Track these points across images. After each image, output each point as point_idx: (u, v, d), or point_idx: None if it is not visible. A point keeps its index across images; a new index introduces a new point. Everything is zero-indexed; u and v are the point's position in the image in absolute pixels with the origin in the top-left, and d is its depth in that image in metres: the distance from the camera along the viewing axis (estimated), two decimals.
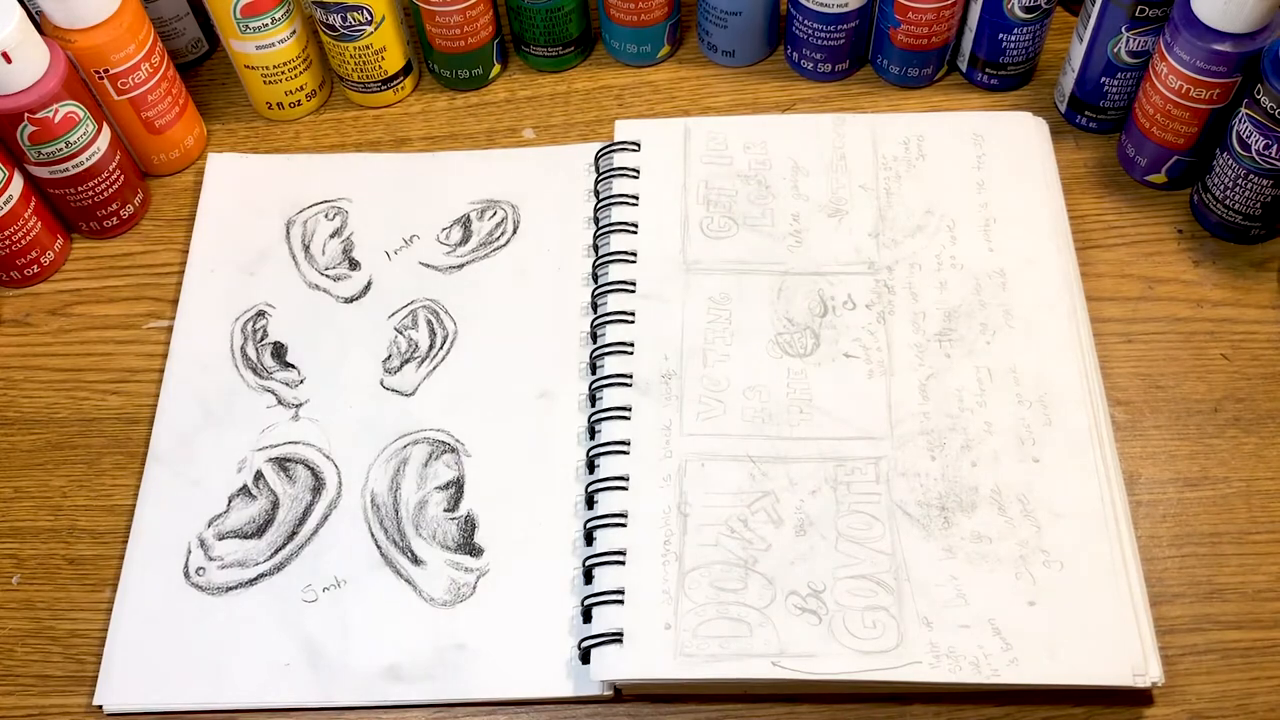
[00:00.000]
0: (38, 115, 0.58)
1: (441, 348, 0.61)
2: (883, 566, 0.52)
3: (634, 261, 0.61)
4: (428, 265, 0.63)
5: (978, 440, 0.55)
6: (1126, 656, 0.49)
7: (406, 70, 0.70)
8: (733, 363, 0.58)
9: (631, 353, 0.58)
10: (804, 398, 0.56)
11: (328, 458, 0.58)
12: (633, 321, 0.59)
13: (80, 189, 0.63)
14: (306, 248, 0.65)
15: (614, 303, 0.60)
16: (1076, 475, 0.54)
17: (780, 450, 0.55)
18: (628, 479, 0.54)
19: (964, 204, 0.62)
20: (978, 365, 0.57)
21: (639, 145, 0.65)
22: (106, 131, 0.63)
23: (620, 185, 0.64)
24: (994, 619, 0.50)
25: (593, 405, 0.58)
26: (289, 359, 0.61)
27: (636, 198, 0.63)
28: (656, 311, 0.59)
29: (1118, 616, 0.50)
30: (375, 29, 0.66)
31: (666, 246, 0.61)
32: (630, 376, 0.57)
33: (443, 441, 0.58)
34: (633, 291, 0.60)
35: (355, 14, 0.65)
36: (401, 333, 0.61)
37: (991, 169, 0.63)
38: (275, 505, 0.57)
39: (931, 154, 0.64)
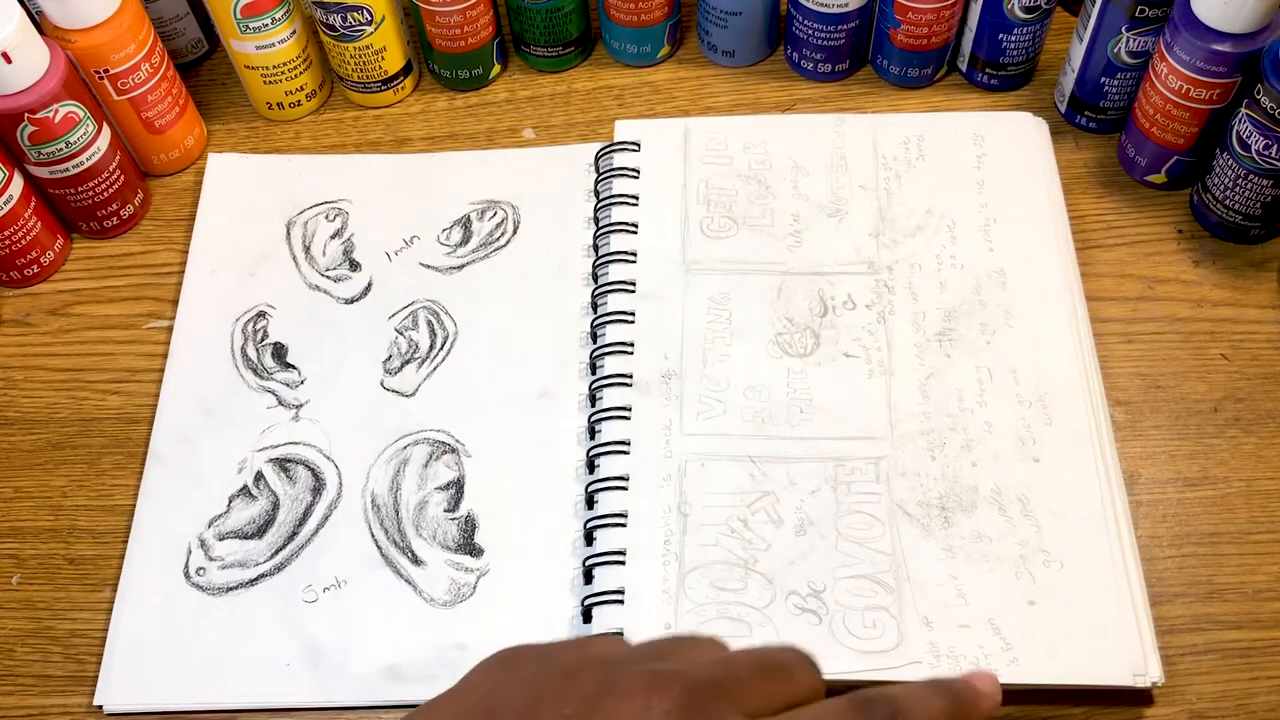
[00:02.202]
0: (38, 115, 0.58)
1: (442, 348, 0.61)
2: (883, 566, 0.52)
3: (634, 261, 0.61)
4: (428, 266, 0.63)
5: (978, 440, 0.55)
6: (1126, 656, 0.49)
7: (406, 70, 0.69)
8: (733, 363, 0.58)
9: (631, 353, 0.58)
10: (804, 398, 0.56)
11: (328, 458, 0.58)
12: (633, 321, 0.59)
13: (80, 189, 0.63)
14: (307, 248, 0.65)
15: (614, 303, 0.60)
16: (1076, 475, 0.54)
17: (780, 450, 0.55)
18: (628, 479, 0.54)
19: (964, 204, 0.62)
20: (978, 365, 0.57)
21: (639, 145, 0.65)
22: (106, 131, 0.63)
23: (620, 185, 0.64)
24: (994, 619, 0.50)
25: (593, 405, 0.58)
26: (289, 359, 0.61)
27: (636, 198, 0.63)
28: (656, 311, 0.59)
29: (1118, 616, 0.50)
30: (375, 29, 0.66)
31: (666, 246, 0.61)
32: (630, 376, 0.57)
33: (443, 442, 0.58)
34: (633, 291, 0.60)
35: (355, 14, 0.65)
36: (402, 333, 0.61)
37: (991, 169, 0.63)
38: (276, 506, 0.57)
39: (931, 154, 0.64)
